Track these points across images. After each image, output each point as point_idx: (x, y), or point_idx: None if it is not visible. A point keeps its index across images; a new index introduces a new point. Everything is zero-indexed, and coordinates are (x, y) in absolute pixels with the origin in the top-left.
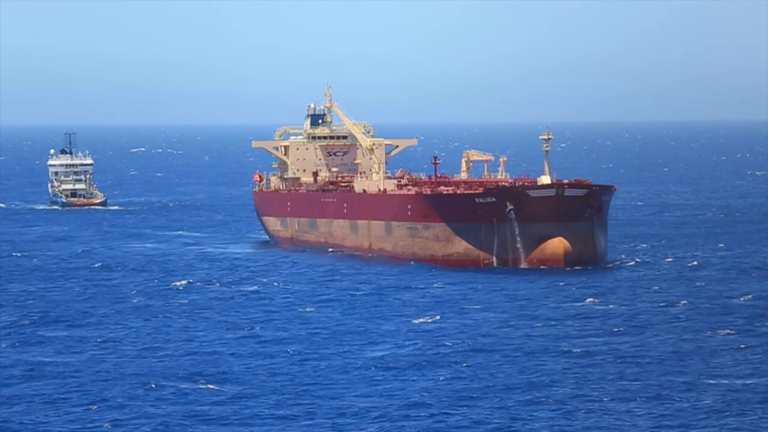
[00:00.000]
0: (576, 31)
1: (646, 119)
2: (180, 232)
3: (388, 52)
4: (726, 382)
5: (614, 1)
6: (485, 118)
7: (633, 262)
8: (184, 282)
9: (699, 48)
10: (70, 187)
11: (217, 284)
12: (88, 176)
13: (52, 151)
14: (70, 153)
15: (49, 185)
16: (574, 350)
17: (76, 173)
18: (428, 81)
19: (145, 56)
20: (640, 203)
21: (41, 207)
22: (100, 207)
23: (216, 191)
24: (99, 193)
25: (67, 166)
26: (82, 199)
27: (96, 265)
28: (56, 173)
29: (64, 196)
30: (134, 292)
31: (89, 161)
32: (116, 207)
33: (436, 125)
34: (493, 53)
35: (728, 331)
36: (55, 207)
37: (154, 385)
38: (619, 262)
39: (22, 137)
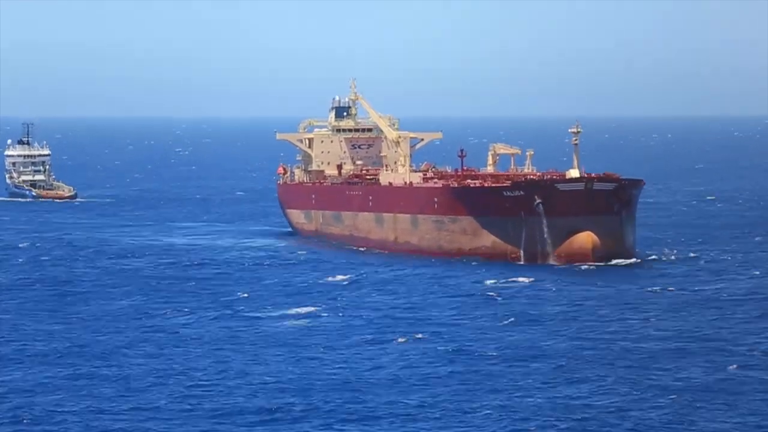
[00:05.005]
0: (580, 28)
1: (647, 114)
2: (194, 224)
3: (395, 48)
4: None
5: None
6: (488, 112)
7: (663, 257)
8: (213, 273)
9: (699, 45)
10: (30, 178)
11: (243, 277)
12: (46, 167)
13: (9, 142)
14: (28, 144)
15: (7, 176)
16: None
17: (34, 164)
18: (435, 76)
19: (173, 52)
20: (669, 197)
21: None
22: (68, 200)
23: (238, 183)
24: (65, 185)
25: (24, 156)
26: (51, 191)
27: (108, 255)
28: (14, 164)
29: (34, 189)
30: (157, 283)
31: (47, 152)
32: (109, 200)
33: (441, 118)
34: (493, 51)
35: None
36: (19, 199)
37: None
38: (654, 257)
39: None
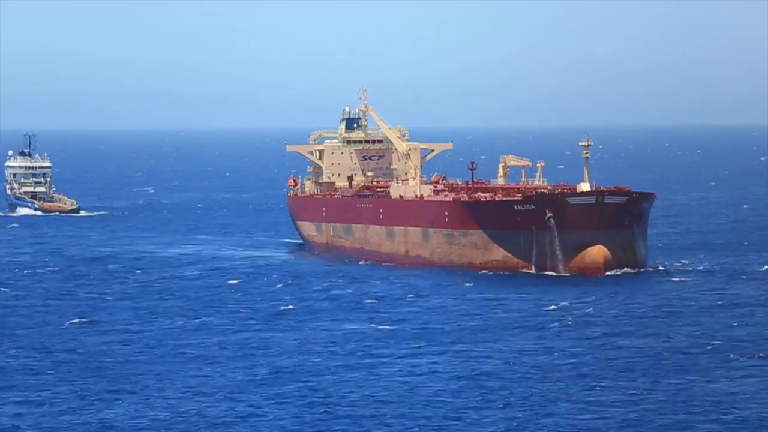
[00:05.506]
0: (586, 33)
1: (644, 123)
2: (203, 237)
3: (394, 53)
4: None
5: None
6: (488, 122)
7: (674, 270)
8: (235, 283)
9: (699, 51)
10: (30, 189)
11: (259, 292)
12: (47, 179)
13: (10, 153)
14: (29, 155)
15: (7, 187)
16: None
17: (35, 175)
18: (434, 83)
19: (180, 62)
20: (680, 210)
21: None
22: (71, 214)
23: (247, 194)
24: (66, 198)
25: (26, 168)
26: (53, 204)
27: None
28: (14, 175)
29: (36, 201)
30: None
31: (48, 164)
32: (102, 212)
33: (439, 128)
34: (492, 56)
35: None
36: (16, 214)
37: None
38: (663, 270)
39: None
